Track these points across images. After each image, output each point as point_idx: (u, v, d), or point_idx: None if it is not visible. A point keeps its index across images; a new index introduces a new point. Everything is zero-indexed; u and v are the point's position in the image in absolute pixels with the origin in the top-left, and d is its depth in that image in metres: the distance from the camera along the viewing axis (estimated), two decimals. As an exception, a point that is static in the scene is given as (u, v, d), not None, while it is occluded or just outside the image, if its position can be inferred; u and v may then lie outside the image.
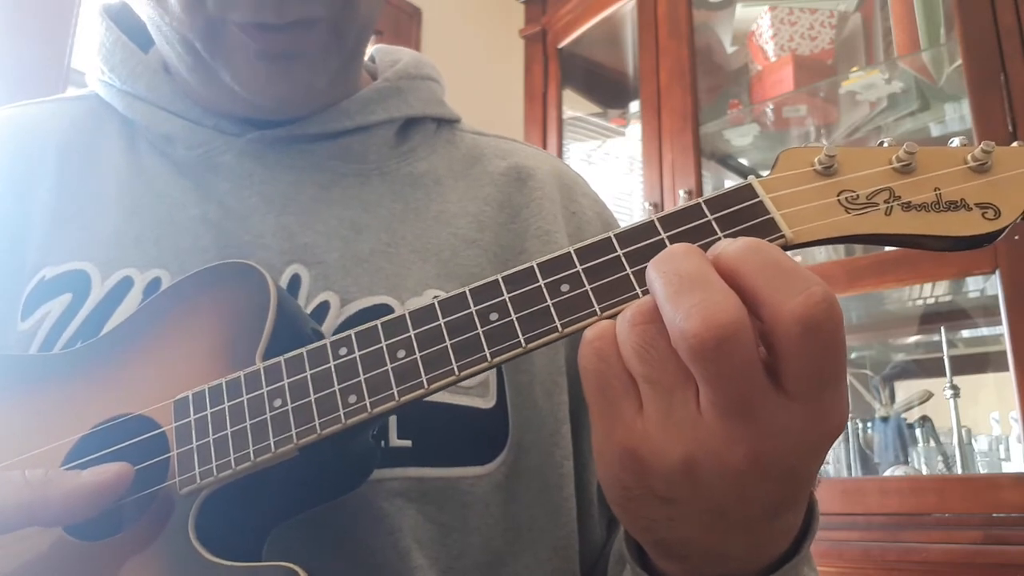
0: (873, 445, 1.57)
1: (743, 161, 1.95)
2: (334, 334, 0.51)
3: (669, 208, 0.38)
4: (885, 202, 0.38)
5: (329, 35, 0.53)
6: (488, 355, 0.38)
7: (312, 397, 0.40)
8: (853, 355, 1.76)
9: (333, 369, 0.40)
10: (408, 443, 0.50)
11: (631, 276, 0.37)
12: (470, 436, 0.52)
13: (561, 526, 0.55)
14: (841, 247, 1.76)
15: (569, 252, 0.38)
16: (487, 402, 0.52)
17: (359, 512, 0.48)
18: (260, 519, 0.44)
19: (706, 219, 0.38)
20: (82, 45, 1.55)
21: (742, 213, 0.38)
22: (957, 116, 1.59)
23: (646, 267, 0.35)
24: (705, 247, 0.36)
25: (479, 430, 0.52)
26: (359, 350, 0.40)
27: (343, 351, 0.40)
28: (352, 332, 0.40)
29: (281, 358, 0.41)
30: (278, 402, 0.40)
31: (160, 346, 0.46)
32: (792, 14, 1.76)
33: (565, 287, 0.38)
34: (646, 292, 0.36)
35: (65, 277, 0.53)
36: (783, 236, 0.37)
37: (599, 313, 0.37)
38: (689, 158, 1.72)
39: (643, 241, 0.38)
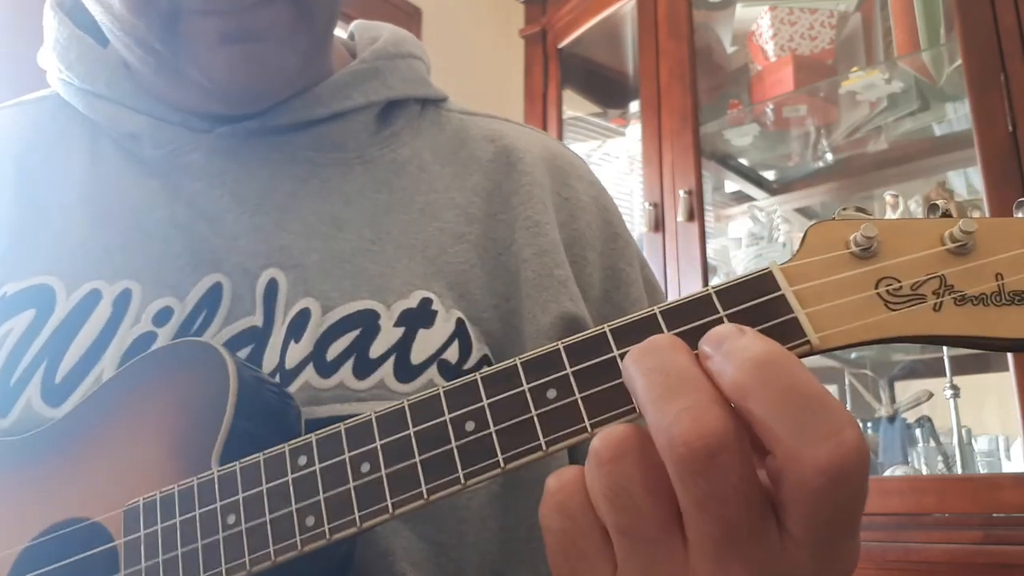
0: (873, 445, 1.57)
1: (743, 161, 1.95)
2: (316, 344, 0.48)
3: (675, 298, 0.33)
4: (934, 294, 0.31)
5: (294, 11, 0.49)
6: (461, 476, 0.33)
7: (267, 517, 0.36)
8: (853, 355, 1.76)
9: (291, 483, 0.36)
10: None
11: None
12: None
13: None
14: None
15: (558, 349, 0.33)
16: None
17: None
18: None
19: (717, 315, 0.32)
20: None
21: (760, 310, 0.32)
22: (957, 116, 1.59)
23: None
24: None
25: None
26: (320, 461, 0.36)
27: (303, 460, 0.36)
28: (313, 437, 0.37)
29: (237, 465, 0.38)
30: (231, 518, 0.37)
31: (114, 437, 0.43)
32: (792, 14, 1.76)
33: (552, 393, 0.33)
34: None
35: (28, 292, 0.50)
36: (807, 342, 0.31)
37: (590, 430, 0.32)
38: (689, 158, 1.72)
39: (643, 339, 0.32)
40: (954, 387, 1.45)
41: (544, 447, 0.33)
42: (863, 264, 0.32)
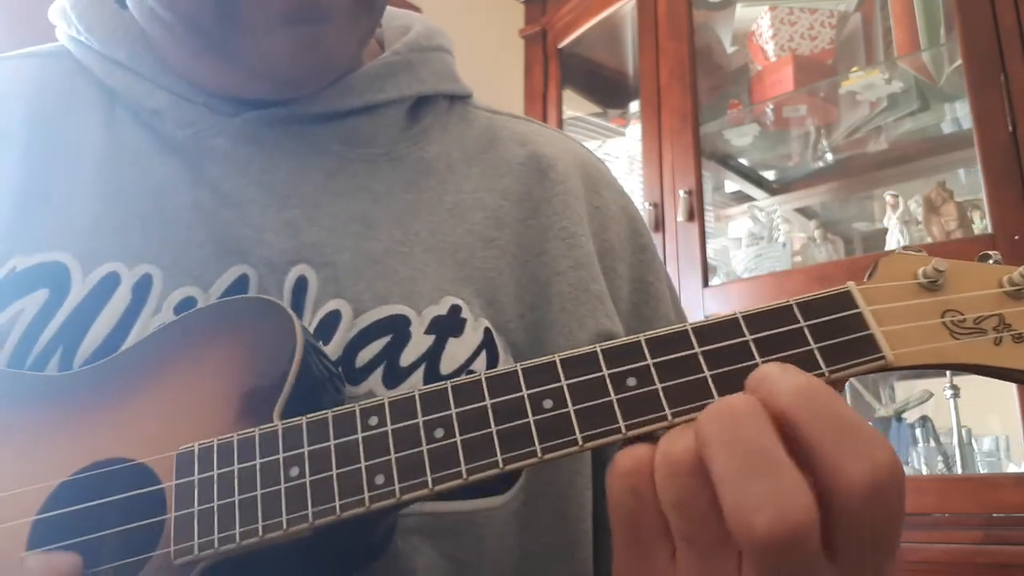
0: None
1: (743, 161, 1.95)
2: (345, 349, 0.46)
3: (756, 306, 0.35)
4: (994, 330, 0.34)
5: None
6: (539, 450, 0.34)
7: (334, 471, 0.35)
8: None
9: (360, 441, 0.36)
10: None
11: (709, 380, 0.34)
12: None
13: (579, 561, 0.51)
14: (840, 245, 1.76)
15: (639, 341, 0.35)
16: None
17: None
18: None
19: (798, 325, 0.34)
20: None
21: (839, 324, 0.34)
22: (957, 116, 1.59)
23: (725, 373, 0.33)
24: (795, 358, 0.33)
25: None
26: (392, 423, 0.36)
27: (373, 421, 0.36)
28: (386, 400, 0.36)
29: (303, 419, 0.37)
30: (295, 471, 0.36)
31: (168, 382, 0.41)
32: (792, 14, 1.76)
33: (632, 381, 0.34)
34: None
35: (40, 269, 0.47)
36: (883, 358, 0.34)
37: (670, 419, 0.33)
38: (689, 158, 1.72)
39: (725, 340, 0.34)
40: (954, 387, 1.45)
41: (624, 430, 0.34)
42: (930, 295, 0.35)
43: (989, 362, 0.34)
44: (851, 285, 0.36)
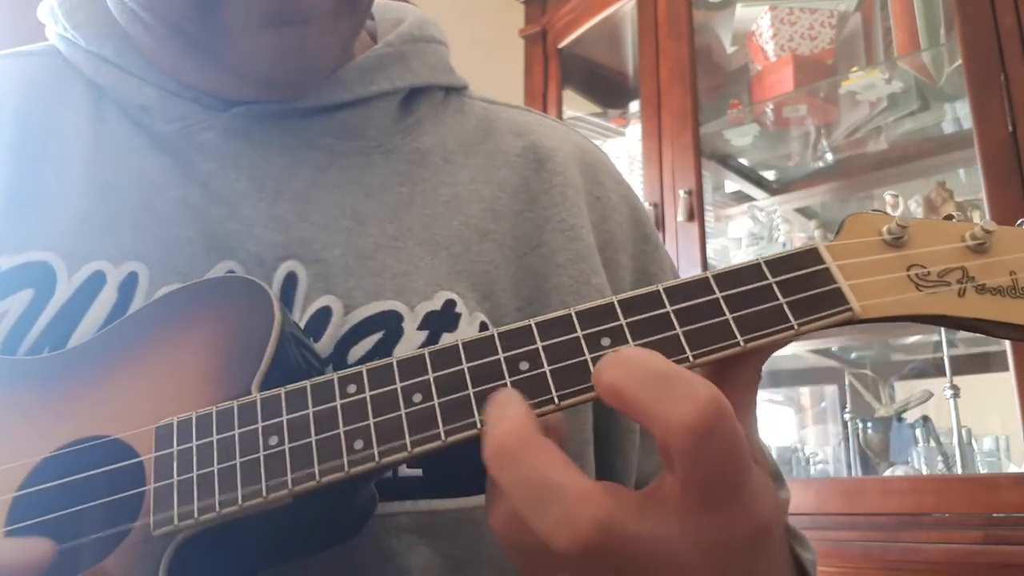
0: (872, 445, 1.57)
1: (743, 161, 1.95)
2: (336, 346, 0.46)
3: (725, 266, 0.36)
4: (958, 282, 0.36)
5: None
6: None
7: (313, 438, 0.35)
8: (853, 355, 1.76)
9: (339, 408, 0.36)
10: (419, 472, 0.45)
11: (681, 337, 0.34)
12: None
13: None
14: (841, 247, 1.76)
15: (612, 302, 0.35)
16: None
17: (365, 550, 0.44)
18: (242, 567, 0.39)
19: (767, 282, 0.35)
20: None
21: (806, 280, 0.35)
22: (957, 116, 1.59)
23: (697, 330, 0.34)
24: (765, 313, 0.34)
25: None
26: (370, 389, 0.36)
27: (352, 388, 0.36)
28: (364, 368, 0.36)
29: (281, 390, 0.37)
30: (274, 440, 0.36)
31: (148, 361, 0.41)
32: (792, 14, 1.76)
33: (606, 341, 0.35)
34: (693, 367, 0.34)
35: (25, 269, 0.46)
36: (850, 309, 0.34)
37: None
38: (689, 158, 1.72)
39: (696, 299, 0.35)
40: (954, 387, 1.45)
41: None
42: (895, 251, 0.36)
43: (953, 312, 0.35)
44: (818, 242, 0.37)
